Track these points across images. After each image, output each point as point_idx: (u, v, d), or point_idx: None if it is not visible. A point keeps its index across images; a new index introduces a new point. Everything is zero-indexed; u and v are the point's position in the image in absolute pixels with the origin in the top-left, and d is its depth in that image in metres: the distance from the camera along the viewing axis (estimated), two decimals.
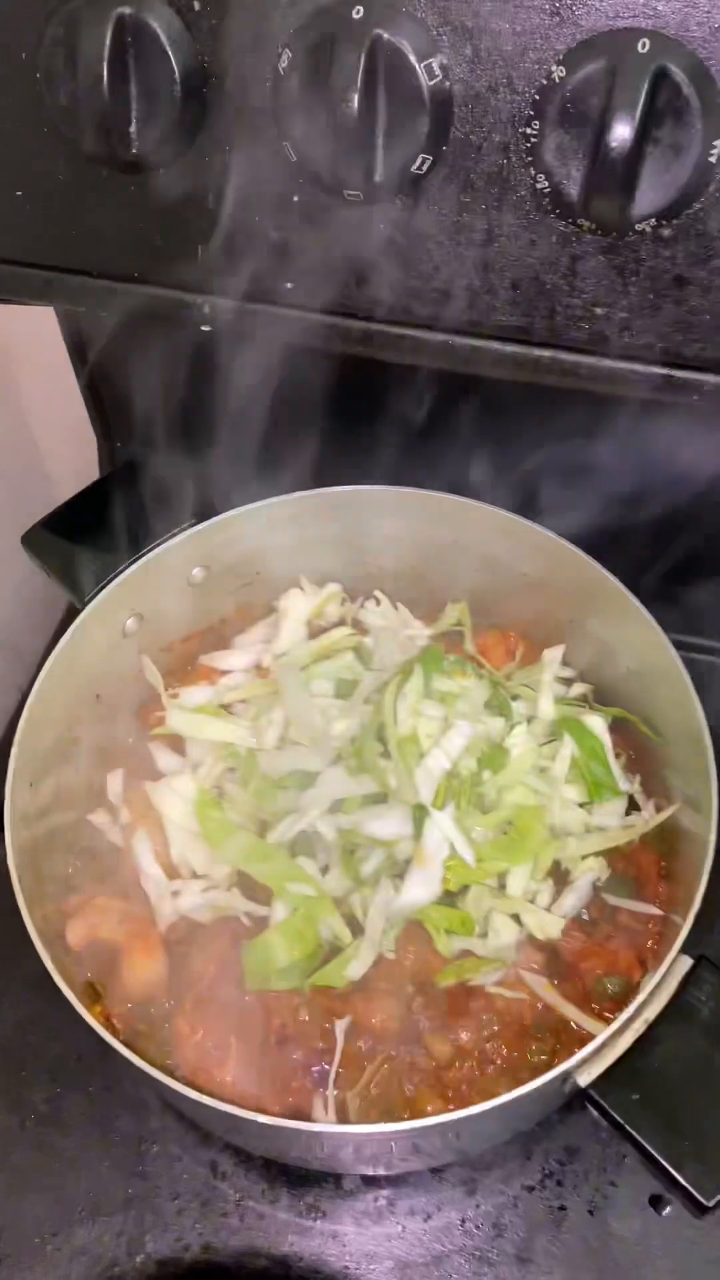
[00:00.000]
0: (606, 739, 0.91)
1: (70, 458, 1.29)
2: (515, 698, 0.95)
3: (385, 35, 0.62)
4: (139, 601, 0.95)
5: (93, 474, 1.22)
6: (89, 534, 0.96)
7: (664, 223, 0.66)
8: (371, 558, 1.05)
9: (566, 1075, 0.68)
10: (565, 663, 0.99)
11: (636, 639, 0.91)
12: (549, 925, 0.82)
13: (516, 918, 0.83)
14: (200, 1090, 0.75)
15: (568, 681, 0.99)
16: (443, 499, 0.97)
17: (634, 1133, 0.66)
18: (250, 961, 0.81)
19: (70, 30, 0.66)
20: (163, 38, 0.66)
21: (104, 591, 0.91)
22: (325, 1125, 0.72)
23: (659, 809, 0.89)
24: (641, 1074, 0.67)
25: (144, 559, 0.93)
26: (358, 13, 0.63)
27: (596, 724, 0.92)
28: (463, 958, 0.82)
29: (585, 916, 0.86)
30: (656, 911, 0.86)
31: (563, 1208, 0.85)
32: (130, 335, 1.04)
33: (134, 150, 0.70)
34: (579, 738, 0.90)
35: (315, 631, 1.02)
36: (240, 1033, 0.81)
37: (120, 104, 0.68)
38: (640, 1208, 0.85)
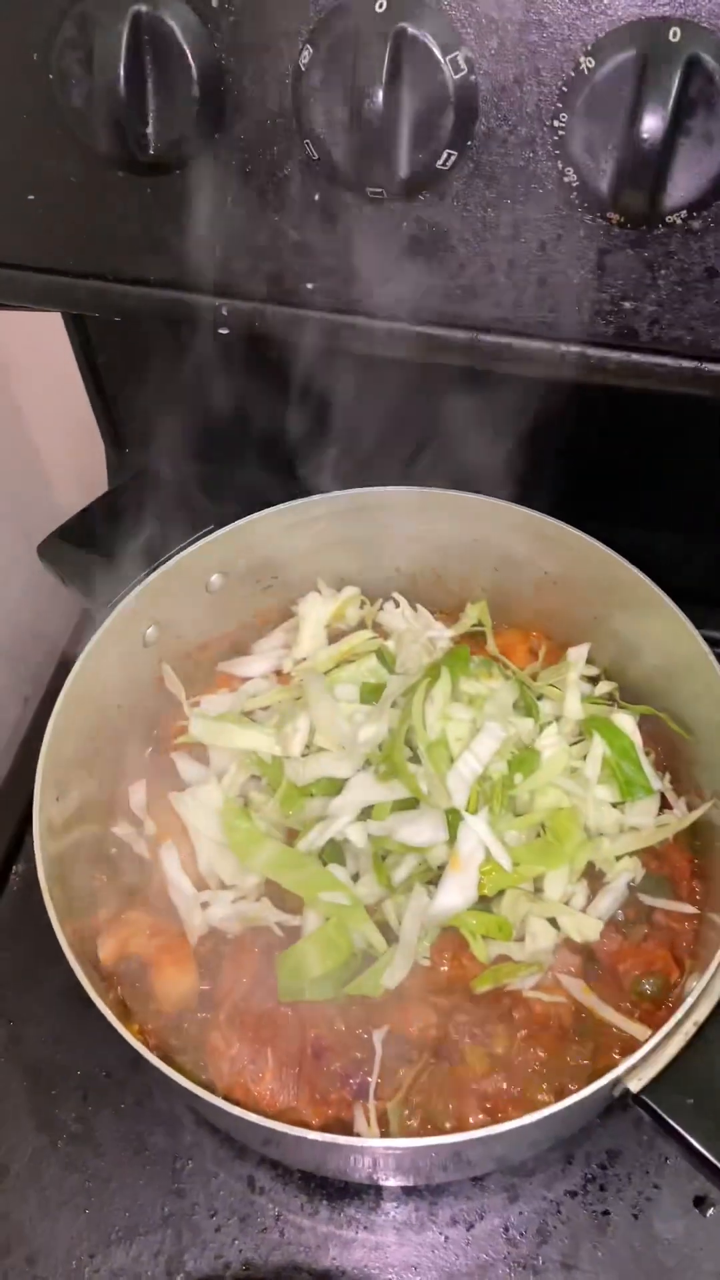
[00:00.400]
0: (636, 737, 0.90)
1: (74, 466, 1.27)
2: (541, 698, 0.94)
3: (409, 29, 0.61)
4: (158, 610, 0.94)
5: (98, 481, 1.21)
6: (105, 542, 0.95)
7: (695, 214, 0.65)
8: (389, 559, 1.04)
9: (617, 1081, 0.67)
10: (590, 660, 0.98)
11: (663, 634, 0.90)
12: (586, 927, 0.81)
13: (553, 921, 0.82)
14: (237, 1104, 0.74)
15: (593, 679, 0.98)
16: (461, 497, 0.96)
17: (688, 1136, 0.65)
18: (283, 973, 0.80)
19: (84, 30, 0.65)
20: (180, 36, 0.65)
21: (124, 600, 0.90)
22: (367, 1140, 0.71)
23: (691, 807, 0.88)
24: (693, 1077, 0.67)
25: (162, 567, 0.91)
26: (380, 6, 0.62)
27: (625, 722, 0.91)
28: (499, 963, 0.81)
29: (620, 917, 0.85)
30: (692, 910, 0.85)
31: (606, 1212, 0.84)
32: (141, 339, 1.02)
33: (151, 151, 0.68)
34: (609, 737, 0.89)
35: (335, 636, 1.01)
36: (276, 1045, 0.80)
37: (136, 104, 0.66)
38: (684, 1209, 0.84)
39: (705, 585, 1.05)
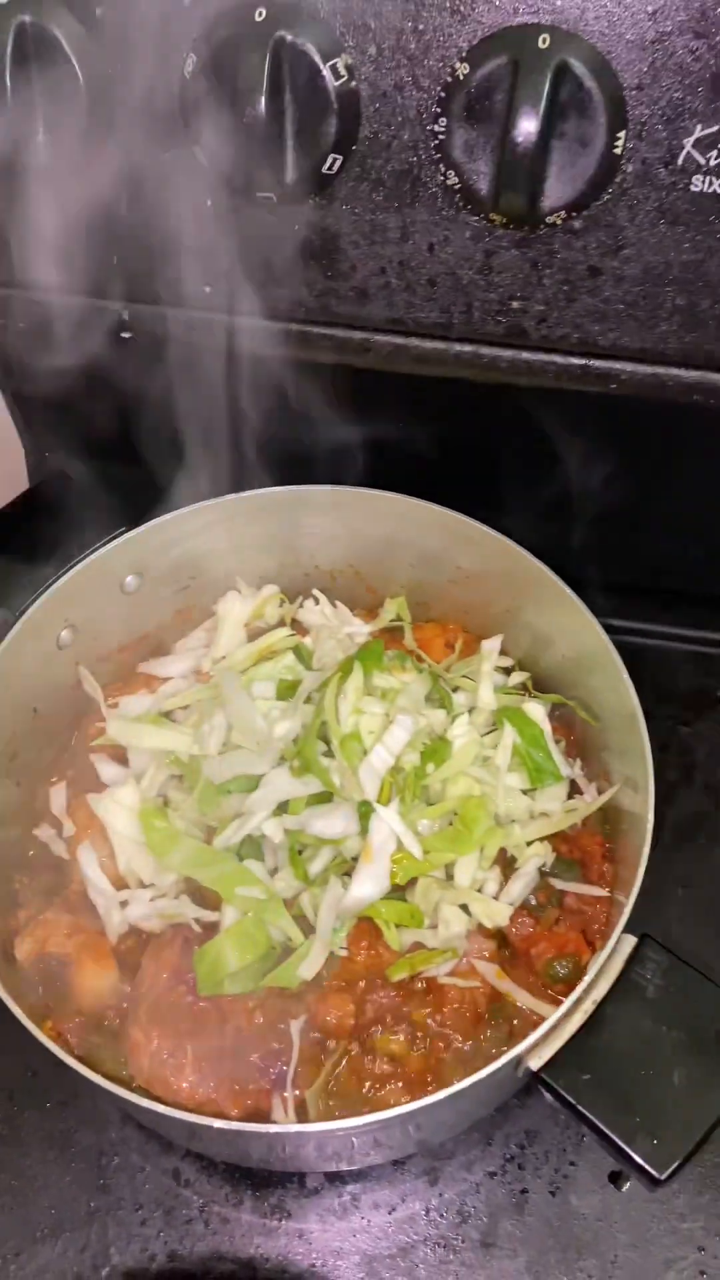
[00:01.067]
0: (546, 726, 0.92)
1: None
2: (456, 689, 0.96)
3: (289, 37, 0.63)
4: (73, 612, 0.94)
5: (19, 484, 1.21)
6: (18, 546, 0.95)
7: (574, 215, 0.67)
8: (308, 557, 1.06)
9: (518, 1060, 0.69)
10: (503, 652, 1.00)
11: (570, 626, 0.92)
12: (497, 913, 0.83)
13: (465, 908, 0.84)
14: (158, 1099, 0.75)
15: (506, 671, 1.00)
16: (377, 496, 0.97)
17: (586, 1112, 0.67)
18: (201, 968, 0.81)
19: None
20: (65, 45, 0.66)
21: (36, 604, 0.90)
22: (284, 1126, 0.73)
23: (600, 791, 0.90)
24: (592, 1054, 0.68)
25: (76, 568, 0.92)
26: (260, 15, 0.63)
27: (536, 711, 0.92)
28: (414, 950, 0.83)
29: (533, 902, 0.87)
30: (602, 893, 0.87)
31: (524, 1190, 0.86)
32: (55, 344, 1.03)
33: (42, 159, 0.69)
34: (519, 726, 0.91)
35: (254, 634, 1.02)
36: (196, 1039, 0.81)
37: (25, 113, 0.67)
38: (600, 1185, 0.86)
39: (610, 576, 1.08)
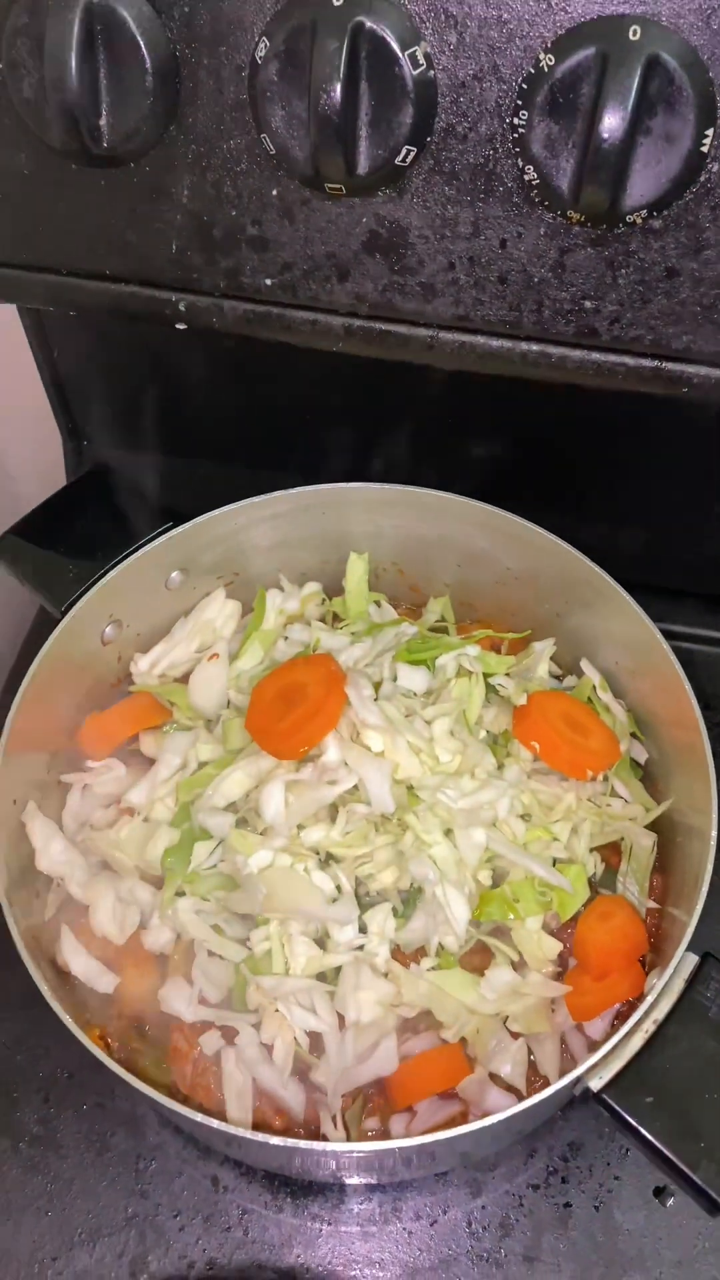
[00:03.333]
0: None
1: (32, 459, 1.25)
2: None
3: (368, 23, 0.60)
4: (117, 607, 0.93)
5: (58, 474, 1.19)
6: (63, 539, 0.93)
7: (655, 214, 0.65)
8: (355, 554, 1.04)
9: (578, 1080, 0.67)
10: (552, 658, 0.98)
11: (623, 629, 0.90)
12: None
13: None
14: (199, 1107, 0.74)
15: (559, 677, 0.98)
16: (425, 494, 0.95)
17: (648, 1134, 0.65)
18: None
19: (35, 18, 0.63)
20: (133, 26, 0.64)
21: (82, 599, 0.88)
22: (332, 1144, 0.71)
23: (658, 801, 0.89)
24: (653, 1075, 0.67)
25: (122, 564, 0.90)
26: (338, 0, 0.61)
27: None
28: None
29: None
30: (653, 905, 0.86)
31: (568, 1204, 0.85)
32: (100, 332, 1.01)
33: (105, 144, 0.67)
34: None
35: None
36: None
37: (90, 95, 0.65)
38: (645, 1200, 0.85)
39: (665, 580, 1.06)
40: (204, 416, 1.09)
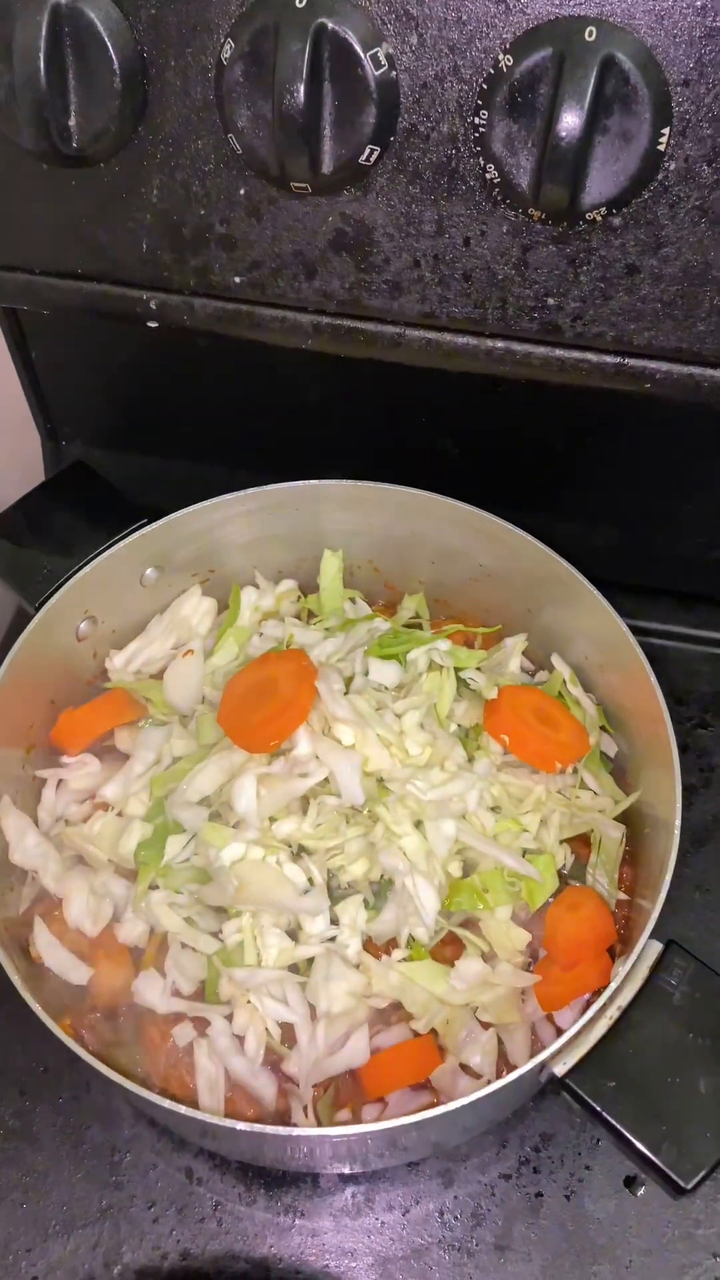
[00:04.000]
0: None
1: (10, 457, 1.26)
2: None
3: (330, 24, 0.62)
4: (92, 603, 0.94)
5: (36, 473, 1.20)
6: (38, 536, 0.94)
7: (614, 211, 0.66)
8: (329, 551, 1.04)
9: (542, 1065, 0.68)
10: (525, 654, 0.99)
11: (593, 625, 0.91)
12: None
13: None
14: (173, 1097, 0.74)
15: (530, 672, 0.99)
16: (399, 491, 0.96)
17: (611, 1119, 0.66)
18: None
19: (3, 21, 0.64)
20: (100, 27, 0.65)
21: (56, 594, 0.89)
22: (303, 1129, 0.72)
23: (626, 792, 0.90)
24: (617, 1061, 0.68)
25: (96, 560, 0.91)
26: (301, 1, 0.62)
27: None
28: None
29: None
30: (622, 896, 0.87)
31: (539, 1194, 0.86)
32: (74, 331, 1.02)
33: (74, 144, 0.68)
34: None
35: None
36: None
37: (58, 97, 0.66)
38: (615, 1189, 0.86)
39: (638, 578, 1.08)
40: (181, 415, 1.10)
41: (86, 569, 0.90)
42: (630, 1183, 0.86)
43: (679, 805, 0.76)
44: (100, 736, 0.95)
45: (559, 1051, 0.68)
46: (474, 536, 0.97)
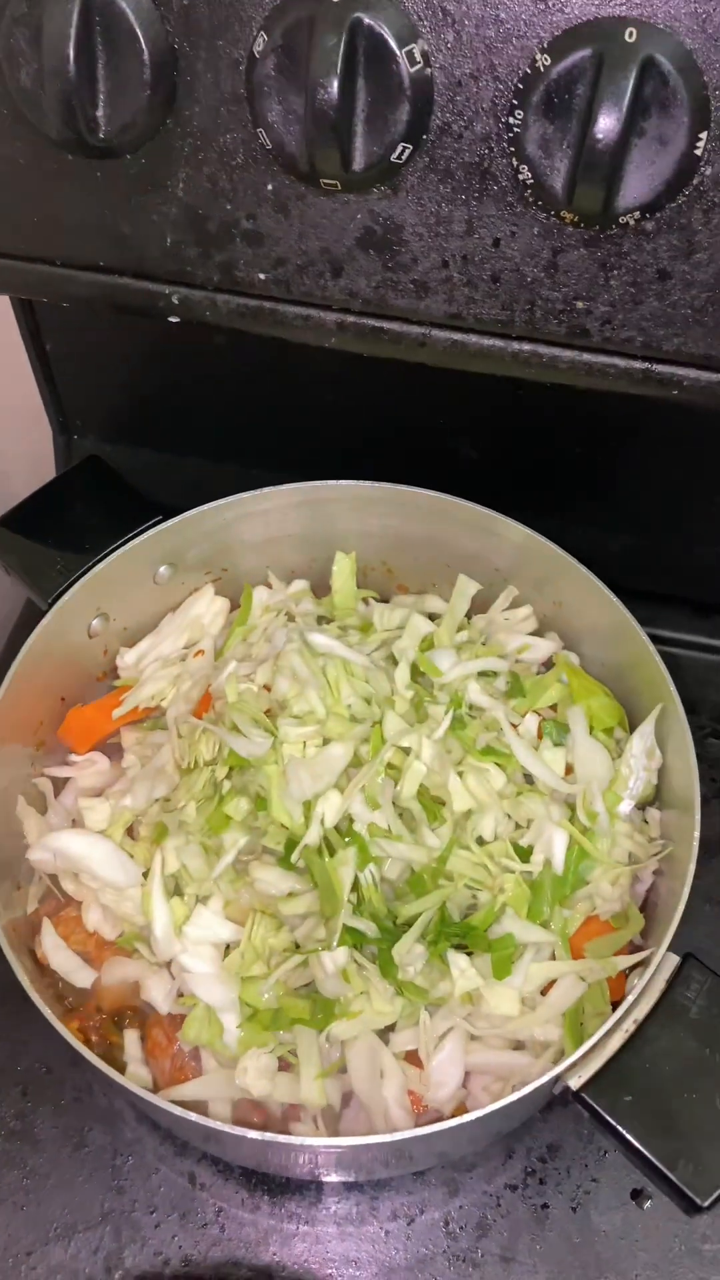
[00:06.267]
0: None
1: (22, 451, 1.25)
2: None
3: (366, 19, 0.61)
4: (105, 600, 0.93)
5: (47, 467, 1.19)
6: (51, 531, 0.93)
7: (648, 216, 0.65)
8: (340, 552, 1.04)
9: (557, 1078, 0.67)
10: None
11: (609, 630, 0.90)
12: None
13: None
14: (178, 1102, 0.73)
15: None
16: (416, 493, 0.95)
17: (626, 1134, 0.65)
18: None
19: (34, 7, 0.63)
20: (131, 17, 0.64)
21: (69, 591, 0.88)
22: (310, 1139, 0.71)
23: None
24: (633, 1075, 0.67)
25: (110, 557, 0.90)
26: None
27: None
28: None
29: None
30: None
31: (545, 1205, 0.85)
32: (92, 325, 1.01)
33: (101, 135, 0.67)
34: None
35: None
36: None
37: (87, 86, 0.65)
38: (622, 1202, 0.85)
39: (653, 585, 1.07)
40: (196, 411, 1.09)
41: (99, 566, 0.90)
42: (637, 1196, 0.85)
43: (698, 816, 0.76)
44: (108, 735, 0.94)
45: (574, 1064, 0.67)
46: (489, 539, 0.97)
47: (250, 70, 0.65)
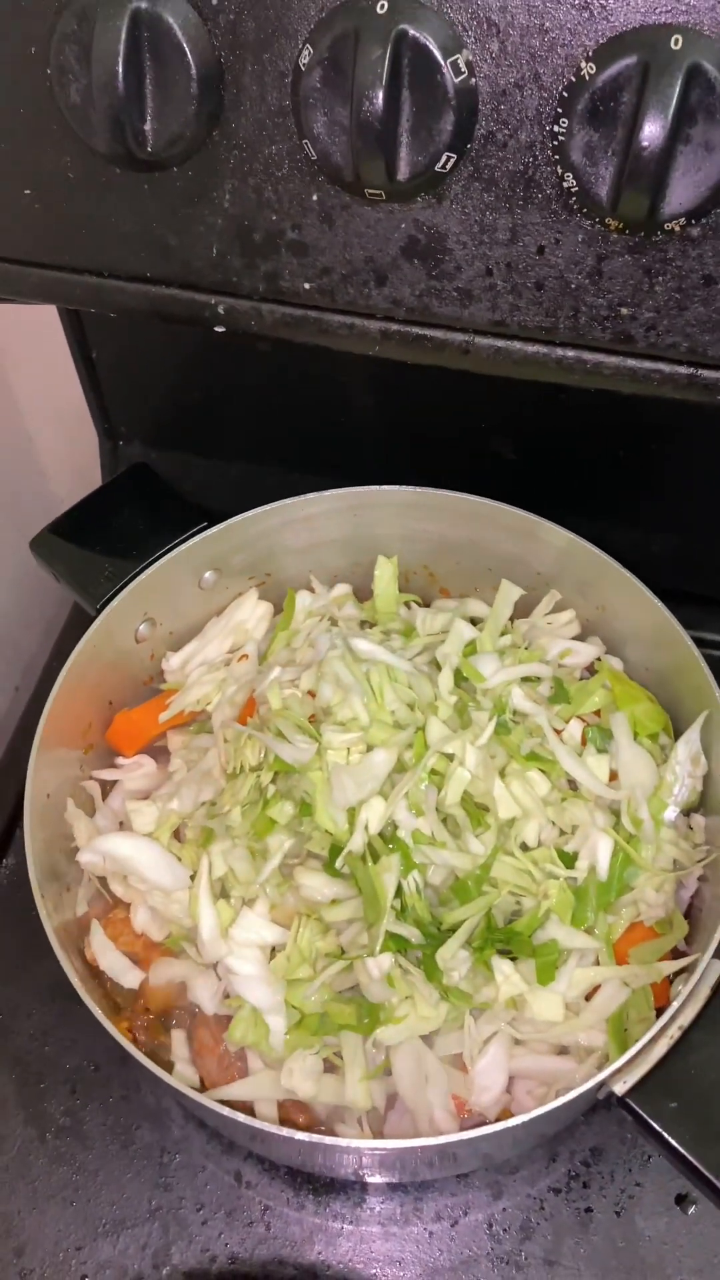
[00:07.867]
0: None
1: (68, 457, 1.27)
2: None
3: (411, 31, 0.61)
4: (151, 606, 0.94)
5: (92, 472, 1.21)
6: (99, 538, 0.94)
7: (693, 222, 0.65)
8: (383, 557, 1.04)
9: (602, 1084, 0.68)
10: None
11: (652, 633, 0.90)
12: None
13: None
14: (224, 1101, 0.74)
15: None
16: (454, 497, 0.96)
17: (671, 1139, 0.65)
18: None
19: (83, 24, 0.64)
20: (178, 32, 0.64)
21: (117, 597, 0.89)
22: (355, 1140, 0.72)
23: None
24: (677, 1080, 0.67)
25: (157, 563, 0.91)
26: (382, 7, 0.61)
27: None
28: None
29: None
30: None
31: (589, 1209, 0.85)
32: (137, 333, 1.02)
33: (149, 148, 0.68)
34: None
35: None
36: None
37: (135, 101, 0.66)
38: (666, 1207, 0.85)
39: (697, 587, 1.06)
40: (239, 417, 1.10)
41: (146, 572, 0.91)
42: (681, 1201, 0.85)
43: None
44: (155, 738, 0.95)
45: (619, 1070, 0.67)
46: (530, 542, 0.97)
47: (296, 82, 0.66)
